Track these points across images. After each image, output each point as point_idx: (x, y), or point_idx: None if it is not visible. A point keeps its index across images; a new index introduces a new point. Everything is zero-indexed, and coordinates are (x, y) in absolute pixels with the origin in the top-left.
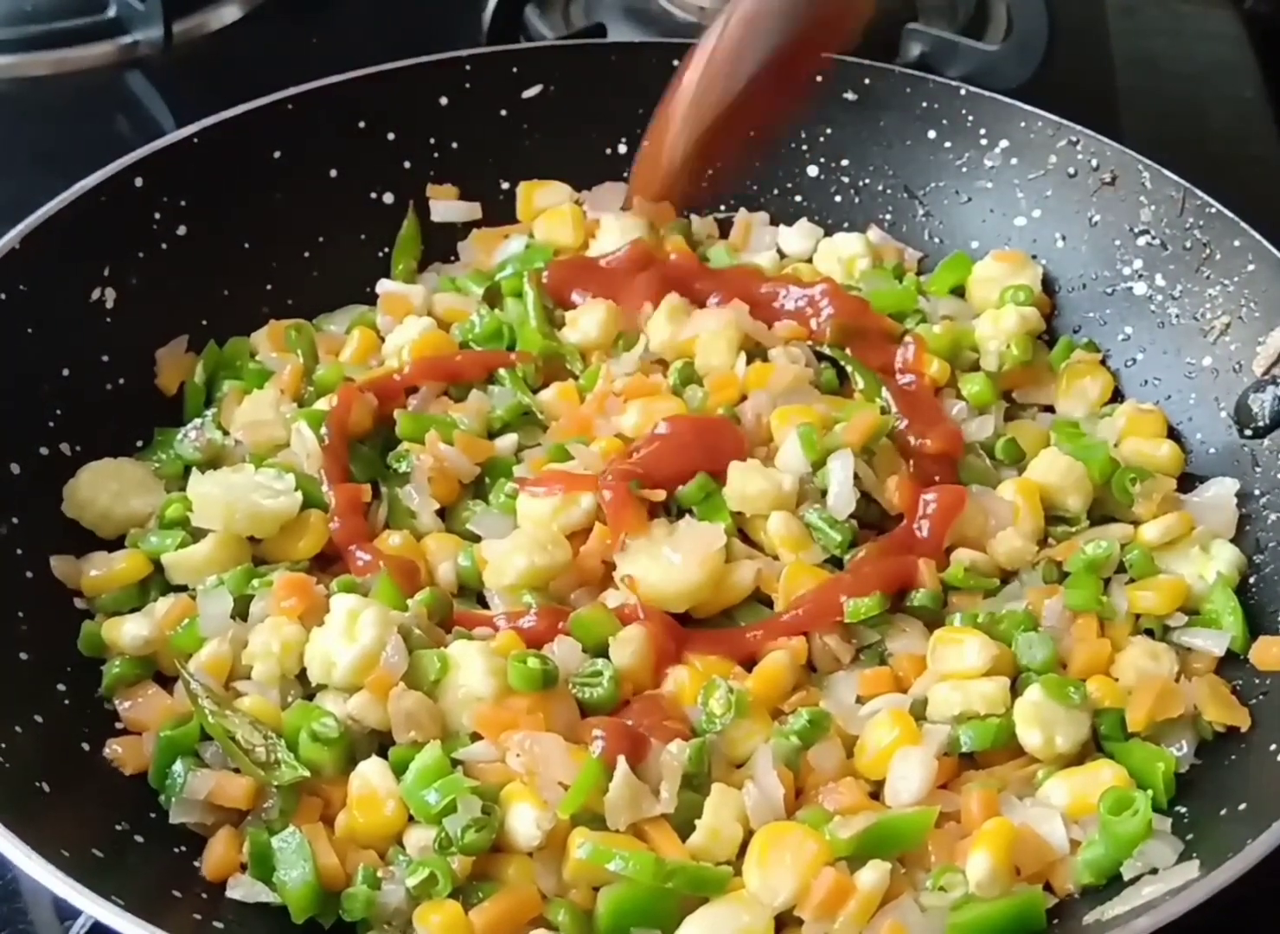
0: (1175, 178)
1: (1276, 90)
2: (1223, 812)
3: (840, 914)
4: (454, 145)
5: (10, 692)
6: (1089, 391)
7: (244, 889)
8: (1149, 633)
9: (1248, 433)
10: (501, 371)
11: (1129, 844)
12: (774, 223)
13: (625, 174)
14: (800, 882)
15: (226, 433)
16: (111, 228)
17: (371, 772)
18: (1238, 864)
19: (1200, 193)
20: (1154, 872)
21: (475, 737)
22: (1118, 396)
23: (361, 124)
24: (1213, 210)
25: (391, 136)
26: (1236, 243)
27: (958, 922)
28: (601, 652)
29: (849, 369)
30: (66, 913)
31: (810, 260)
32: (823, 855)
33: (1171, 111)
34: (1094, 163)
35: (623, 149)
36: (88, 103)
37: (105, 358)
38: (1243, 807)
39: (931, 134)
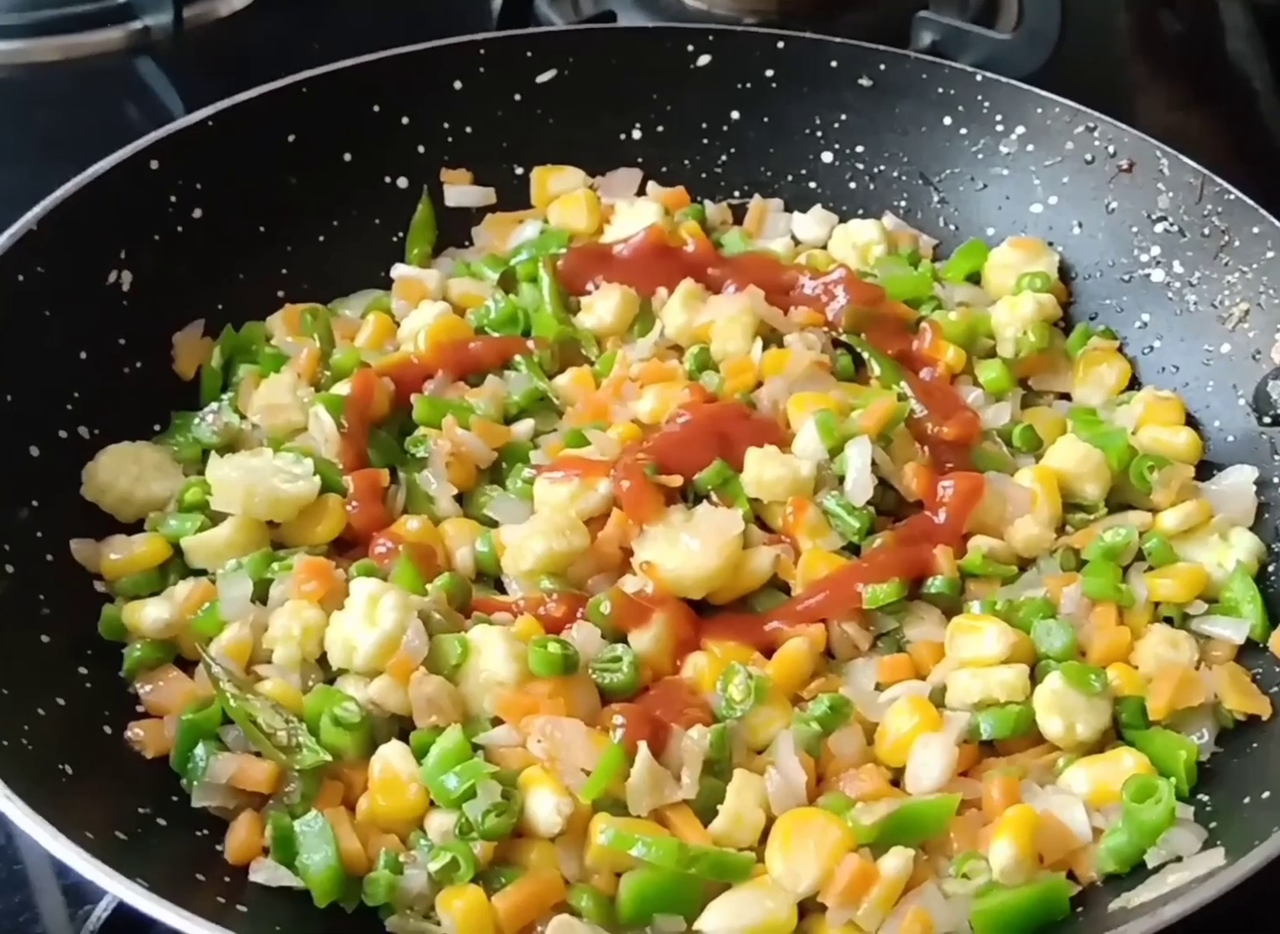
0: (1193, 164)
1: None
2: (1245, 800)
3: (864, 901)
4: (468, 130)
5: (32, 675)
6: (1106, 379)
7: (267, 873)
8: (1168, 621)
9: (1266, 420)
10: (518, 357)
11: (1153, 832)
12: (788, 209)
13: (639, 159)
14: (823, 868)
15: (244, 417)
16: (127, 211)
17: (393, 755)
18: (1265, 851)
19: (1219, 179)
20: (1178, 860)
21: (496, 721)
22: (1135, 384)
23: (375, 108)
24: (1231, 197)
25: (405, 121)
26: (1255, 229)
27: (982, 909)
28: (621, 637)
29: (865, 355)
30: (77, 900)
31: (825, 247)
32: (845, 842)
33: (1182, 103)
34: (1111, 149)
35: (636, 134)
36: (97, 89)
37: (122, 341)
38: (1266, 795)
39: (947, 120)
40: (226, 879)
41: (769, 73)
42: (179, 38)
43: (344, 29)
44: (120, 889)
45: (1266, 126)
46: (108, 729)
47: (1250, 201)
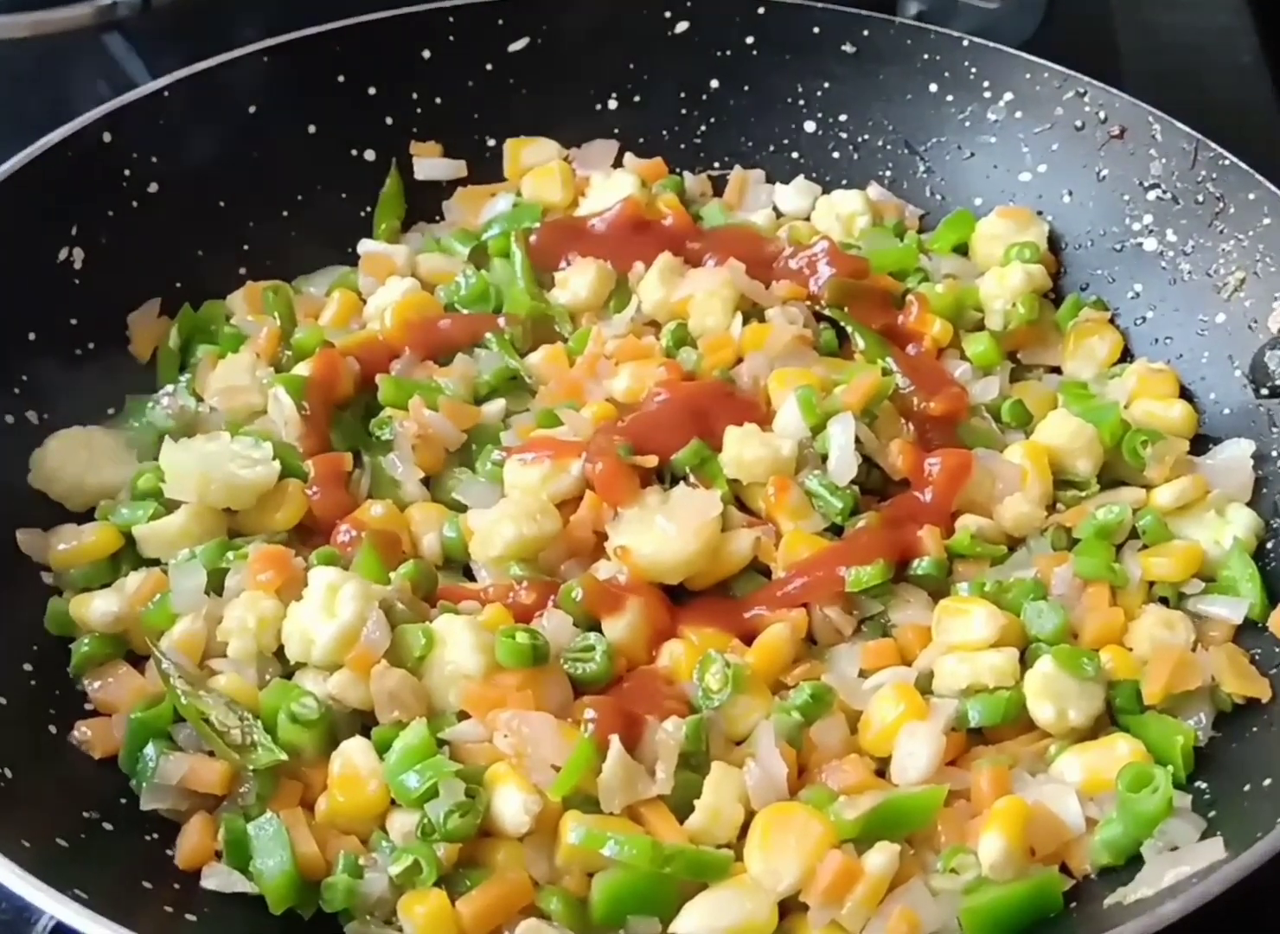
0: (1187, 129)
1: (1274, 57)
2: (1245, 787)
3: (848, 900)
4: (437, 100)
5: None
6: (1097, 351)
7: (219, 879)
8: (1163, 601)
9: (1264, 392)
10: (489, 335)
11: (1149, 823)
12: (770, 180)
13: (615, 130)
14: (805, 866)
15: (201, 399)
16: (79, 184)
17: (354, 749)
18: (1269, 844)
19: (1213, 144)
20: (1174, 850)
21: (462, 716)
22: (1127, 356)
23: (341, 77)
24: (1226, 162)
25: (372, 91)
26: (1251, 196)
27: (971, 906)
28: (594, 625)
29: (849, 330)
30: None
31: (808, 219)
32: (828, 837)
33: (1171, 77)
34: (1102, 115)
35: (613, 105)
36: (66, 65)
37: (74, 321)
38: (1267, 782)
39: (933, 87)
40: (176, 886)
41: (749, 39)
42: (148, 14)
43: (316, 7)
44: (54, 906)
45: (1254, 97)
46: (53, 729)
47: (1245, 166)
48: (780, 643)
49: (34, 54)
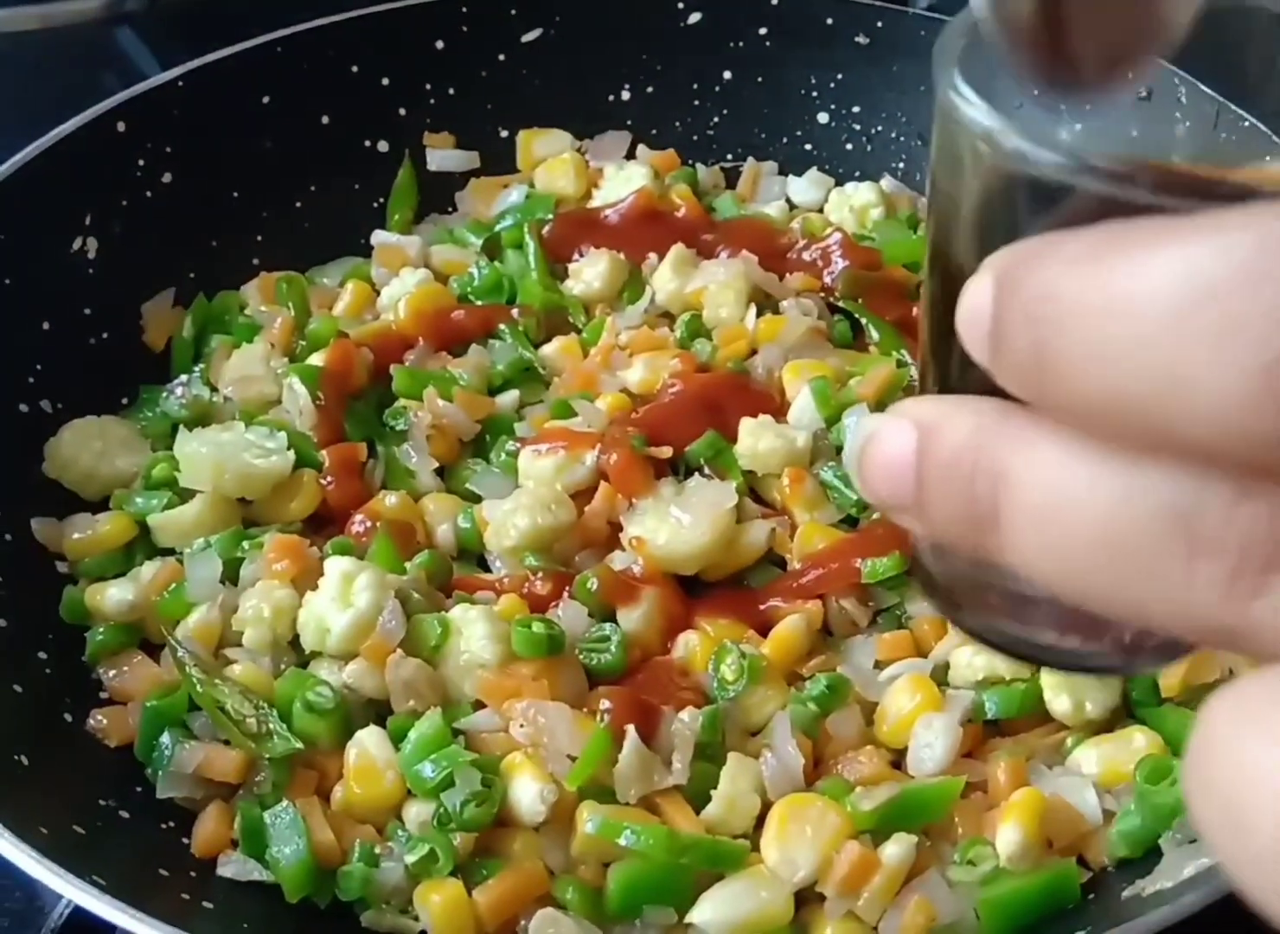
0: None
1: None
2: None
3: (864, 890)
4: (450, 91)
5: None
6: None
7: (235, 867)
8: None
9: None
10: (502, 326)
11: (1168, 815)
12: (783, 172)
13: (628, 122)
14: (821, 856)
15: (215, 389)
16: (93, 174)
17: (369, 740)
18: None
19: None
20: (1193, 842)
21: (478, 705)
22: None
23: (354, 68)
24: (1246, 124)
25: (385, 82)
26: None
27: (989, 897)
28: (609, 616)
29: (863, 322)
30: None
31: (821, 210)
32: (845, 828)
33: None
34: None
35: (626, 96)
36: (75, 58)
37: (87, 311)
38: None
39: None
40: (192, 874)
41: (762, 31)
42: (158, 7)
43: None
44: (71, 891)
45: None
46: (68, 717)
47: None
48: (796, 634)
49: (44, 47)
